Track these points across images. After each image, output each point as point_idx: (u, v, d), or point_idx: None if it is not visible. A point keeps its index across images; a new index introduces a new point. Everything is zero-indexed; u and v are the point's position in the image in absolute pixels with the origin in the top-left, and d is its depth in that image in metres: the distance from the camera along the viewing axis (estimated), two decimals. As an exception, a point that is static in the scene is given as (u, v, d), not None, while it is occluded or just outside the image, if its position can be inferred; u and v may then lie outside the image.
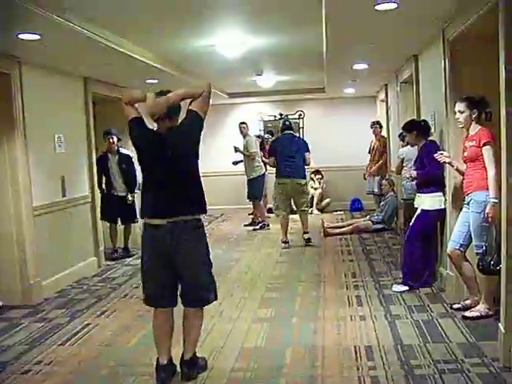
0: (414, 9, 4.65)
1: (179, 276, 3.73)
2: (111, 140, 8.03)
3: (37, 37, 4.88)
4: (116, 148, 8.11)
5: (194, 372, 3.83)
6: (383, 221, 9.52)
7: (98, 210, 7.71)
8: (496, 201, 4.38)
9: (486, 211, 4.48)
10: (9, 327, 5.14)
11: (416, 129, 5.82)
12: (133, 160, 7.93)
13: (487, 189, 4.50)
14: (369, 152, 10.91)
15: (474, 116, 4.69)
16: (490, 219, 4.46)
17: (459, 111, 4.77)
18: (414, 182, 5.98)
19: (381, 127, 10.71)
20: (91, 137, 7.60)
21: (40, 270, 5.99)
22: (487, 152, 4.51)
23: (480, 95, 4.69)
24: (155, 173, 3.71)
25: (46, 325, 5.18)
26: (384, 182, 9.90)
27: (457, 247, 4.87)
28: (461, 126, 4.85)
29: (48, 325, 5.18)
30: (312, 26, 5.55)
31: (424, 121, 5.92)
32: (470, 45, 5.01)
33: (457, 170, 5.05)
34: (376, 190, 10.54)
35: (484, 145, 4.53)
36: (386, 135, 10.52)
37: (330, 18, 4.82)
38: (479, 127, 4.66)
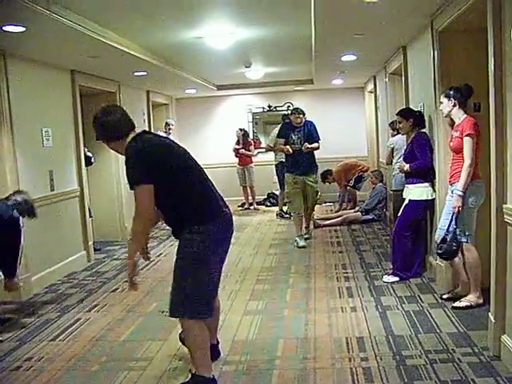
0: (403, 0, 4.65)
1: None
2: None
3: (22, 29, 4.81)
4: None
5: None
6: (367, 210, 9.54)
7: (87, 204, 7.67)
8: (460, 193, 4.56)
9: (453, 203, 4.60)
10: (-2, 323, 5.11)
11: (413, 117, 5.81)
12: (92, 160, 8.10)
13: (472, 180, 4.59)
14: None
15: (451, 104, 4.74)
16: (456, 210, 4.61)
17: (440, 102, 4.88)
18: (403, 174, 5.98)
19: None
20: (79, 130, 7.54)
21: (29, 266, 5.94)
22: (467, 143, 4.55)
23: (462, 83, 4.73)
24: None
25: (36, 320, 5.15)
26: (371, 174, 9.93)
27: (442, 235, 4.89)
28: (443, 116, 4.94)
29: (38, 320, 5.15)
30: (301, 17, 5.53)
31: (420, 111, 5.90)
32: (459, 35, 5.03)
33: None
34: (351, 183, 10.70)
35: (465, 136, 4.57)
36: (374, 126, 10.55)
37: (319, 10, 4.80)
38: (464, 116, 4.68)
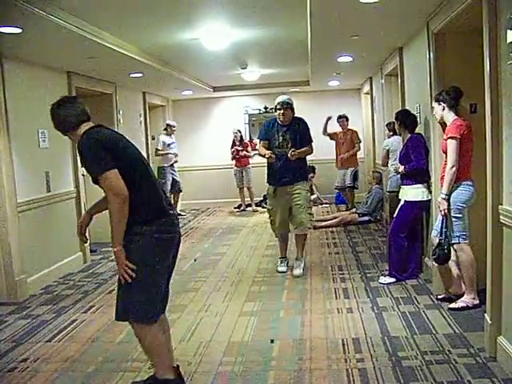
0: (399, 1, 4.65)
1: None
2: None
3: (18, 30, 4.81)
4: None
5: None
6: (369, 213, 9.56)
7: (83, 204, 7.64)
8: (443, 196, 4.64)
9: (437, 205, 4.68)
10: (-6, 324, 5.10)
11: (411, 119, 5.84)
12: None
13: (460, 181, 4.63)
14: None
15: (440, 108, 4.80)
16: (442, 213, 4.67)
17: (432, 107, 4.95)
18: (399, 175, 5.99)
19: (347, 120, 10.82)
20: (75, 132, 7.52)
21: (25, 267, 5.94)
22: (449, 146, 4.61)
23: (453, 86, 4.77)
24: None
25: (31, 321, 5.14)
26: (371, 174, 9.94)
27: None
28: (437, 120, 5.02)
29: (34, 321, 5.14)
30: (297, 18, 5.54)
31: (414, 115, 5.92)
32: (455, 37, 5.05)
33: None
34: (349, 183, 10.61)
35: (448, 138, 4.62)
36: (371, 128, 10.57)
37: (315, 11, 4.81)
38: (453, 119, 4.72)
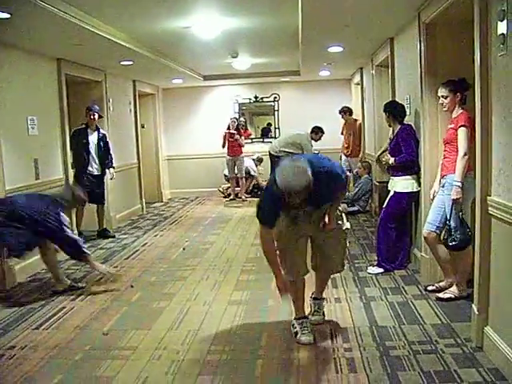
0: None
1: None
2: (92, 116, 7.97)
3: (7, 15, 4.77)
4: (95, 125, 8.08)
5: None
6: (353, 200, 9.57)
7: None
8: (458, 184, 4.51)
9: (452, 195, 4.56)
10: (-19, 312, 5.08)
11: (399, 109, 5.85)
12: (108, 140, 8.21)
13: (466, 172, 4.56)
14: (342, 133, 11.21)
15: (457, 99, 4.70)
16: (455, 201, 4.56)
17: (442, 96, 4.76)
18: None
19: (345, 113, 10.90)
20: (65, 119, 7.50)
21: (13, 254, 5.91)
22: (461, 134, 4.55)
23: (460, 77, 4.71)
24: None
25: (19, 309, 5.11)
26: (359, 164, 9.95)
27: (433, 229, 4.90)
28: (445, 109, 4.83)
29: (22, 309, 5.11)
30: (288, 7, 5.51)
31: (402, 105, 5.92)
32: (446, 28, 5.05)
33: None
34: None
35: (460, 127, 4.56)
36: (361, 118, 10.57)
37: (306, 0, 4.79)
38: (461, 111, 4.68)
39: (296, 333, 4.14)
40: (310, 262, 4.31)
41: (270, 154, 10.54)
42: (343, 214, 4.35)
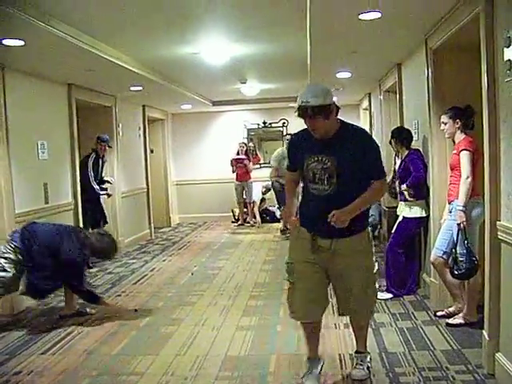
0: (398, 18, 4.69)
1: None
2: (104, 148, 8.29)
3: (21, 42, 4.85)
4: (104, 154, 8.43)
5: None
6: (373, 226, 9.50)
7: (81, 217, 7.62)
8: (461, 208, 4.49)
9: (456, 220, 4.54)
10: (-11, 336, 5.07)
11: (405, 134, 5.86)
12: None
13: (472, 197, 4.55)
14: None
15: (457, 126, 4.74)
16: (461, 226, 4.51)
17: (443, 122, 4.83)
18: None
19: None
20: (75, 144, 7.57)
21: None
22: (463, 157, 4.56)
23: (465, 104, 4.73)
24: None
25: (26, 333, 5.11)
26: None
27: (440, 255, 4.88)
28: (447, 136, 4.90)
29: (29, 333, 5.11)
30: (296, 34, 5.56)
31: (408, 130, 5.94)
32: (453, 54, 5.07)
33: None
34: None
35: (461, 151, 4.58)
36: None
37: (314, 27, 4.84)
38: (463, 136, 4.69)
39: (303, 377, 3.76)
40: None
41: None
42: (372, 247, 3.79)
